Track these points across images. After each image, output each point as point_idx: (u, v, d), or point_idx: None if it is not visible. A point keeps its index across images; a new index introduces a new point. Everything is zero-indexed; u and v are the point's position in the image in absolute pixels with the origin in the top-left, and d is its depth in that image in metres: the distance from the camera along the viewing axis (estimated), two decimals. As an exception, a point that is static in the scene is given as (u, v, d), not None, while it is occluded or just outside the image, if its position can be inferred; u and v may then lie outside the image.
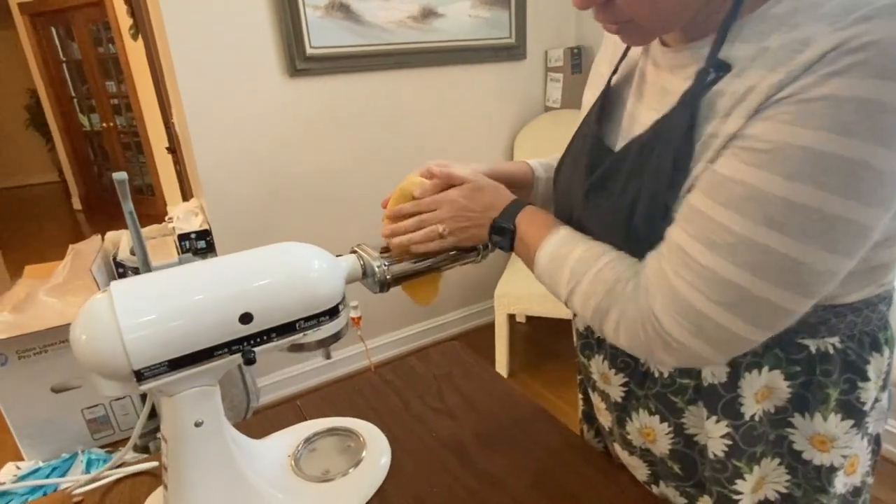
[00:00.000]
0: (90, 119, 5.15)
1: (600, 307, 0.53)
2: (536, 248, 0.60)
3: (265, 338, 0.57)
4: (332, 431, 0.79)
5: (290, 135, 1.93)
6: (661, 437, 0.62)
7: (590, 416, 0.81)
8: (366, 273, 0.67)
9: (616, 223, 0.54)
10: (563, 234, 0.59)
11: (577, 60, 2.29)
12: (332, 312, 0.61)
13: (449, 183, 0.67)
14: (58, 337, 1.07)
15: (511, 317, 2.15)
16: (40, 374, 1.08)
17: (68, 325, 1.03)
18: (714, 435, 0.57)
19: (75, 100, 5.10)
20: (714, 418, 0.56)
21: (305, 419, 0.83)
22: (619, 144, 0.58)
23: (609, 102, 0.64)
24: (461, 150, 2.30)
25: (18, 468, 1.09)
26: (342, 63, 1.90)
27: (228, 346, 0.55)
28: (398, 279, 0.66)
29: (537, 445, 0.77)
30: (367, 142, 2.10)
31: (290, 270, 0.59)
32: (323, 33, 1.82)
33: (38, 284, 1.26)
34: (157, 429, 0.62)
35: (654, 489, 0.69)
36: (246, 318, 0.55)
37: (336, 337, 0.64)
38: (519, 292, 2.04)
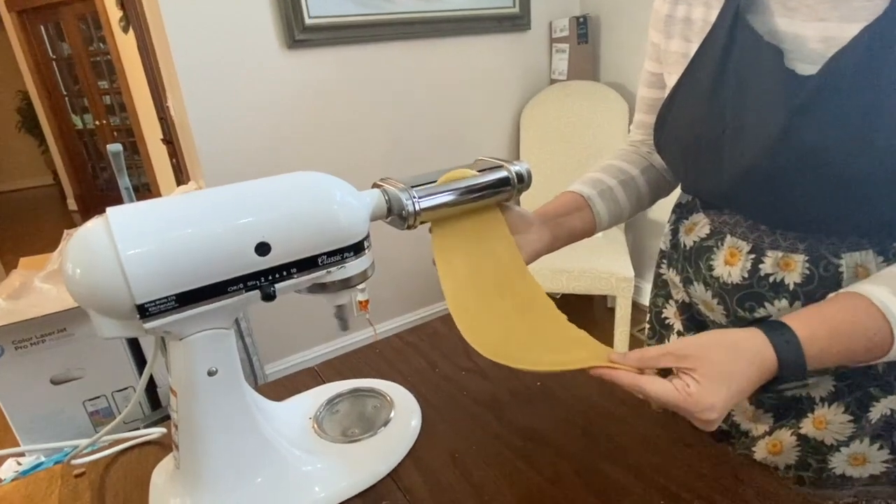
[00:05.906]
0: (83, 119, 5.06)
1: None
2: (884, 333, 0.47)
3: (285, 273, 0.51)
4: (356, 392, 0.72)
5: (289, 108, 1.86)
6: None
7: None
8: (391, 210, 0.60)
9: (851, 136, 0.49)
10: (880, 288, 0.48)
11: (583, 30, 2.22)
12: (357, 249, 0.55)
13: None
14: (56, 325, 1.00)
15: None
16: (39, 365, 1.01)
17: (67, 311, 0.98)
18: None
19: (67, 98, 5.01)
20: None
21: (324, 383, 0.76)
22: (797, 66, 0.52)
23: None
24: (466, 126, 2.22)
25: (19, 464, 1.03)
26: (342, 33, 1.83)
27: (244, 281, 0.49)
28: (428, 210, 0.59)
29: (581, 401, 0.71)
30: (367, 116, 2.02)
31: (310, 198, 0.52)
32: (322, 2, 1.75)
33: (34, 274, 1.19)
34: (163, 419, 0.56)
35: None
36: (262, 249, 0.49)
37: (361, 277, 0.57)
38: (533, 268, 1.97)
